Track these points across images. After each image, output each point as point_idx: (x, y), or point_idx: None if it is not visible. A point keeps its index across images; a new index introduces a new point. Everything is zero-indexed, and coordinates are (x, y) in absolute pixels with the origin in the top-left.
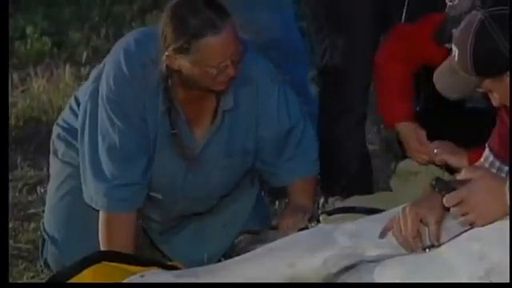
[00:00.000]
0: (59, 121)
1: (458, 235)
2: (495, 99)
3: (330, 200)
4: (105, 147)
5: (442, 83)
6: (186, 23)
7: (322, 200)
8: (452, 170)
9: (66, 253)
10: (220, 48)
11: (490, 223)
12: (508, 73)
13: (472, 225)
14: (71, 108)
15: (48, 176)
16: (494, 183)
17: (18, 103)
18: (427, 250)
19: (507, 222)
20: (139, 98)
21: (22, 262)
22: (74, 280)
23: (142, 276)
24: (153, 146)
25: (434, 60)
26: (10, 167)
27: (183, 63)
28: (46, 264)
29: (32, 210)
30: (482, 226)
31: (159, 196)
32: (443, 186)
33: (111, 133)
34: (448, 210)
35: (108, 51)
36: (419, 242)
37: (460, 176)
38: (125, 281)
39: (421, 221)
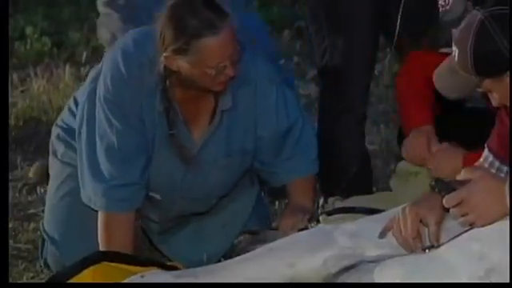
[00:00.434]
0: (58, 121)
1: (458, 235)
2: (495, 99)
3: (330, 200)
4: (103, 148)
5: (441, 83)
6: (184, 24)
7: (321, 200)
8: None
9: (65, 253)
10: (219, 48)
11: (490, 223)
12: (508, 73)
13: (472, 225)
14: (70, 109)
15: (47, 176)
16: (494, 183)
17: (18, 103)
18: (427, 250)
19: (507, 222)
20: (137, 99)
21: (21, 262)
22: (73, 280)
23: (142, 276)
24: (151, 146)
25: None
26: (10, 167)
27: (182, 64)
28: (46, 264)
29: (32, 210)
30: (482, 226)
31: (158, 196)
32: (443, 187)
33: (109, 133)
34: (448, 210)
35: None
36: (419, 243)
37: (459, 176)
38: (125, 281)
39: (421, 221)
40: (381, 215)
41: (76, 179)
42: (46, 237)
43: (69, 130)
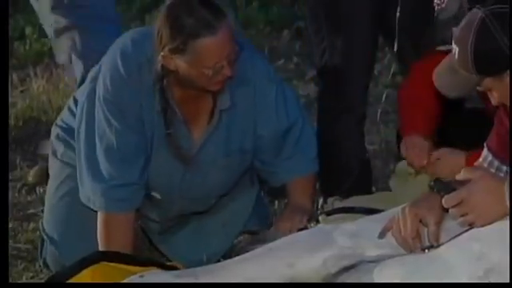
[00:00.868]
0: (58, 121)
1: (458, 235)
2: (494, 98)
3: (330, 200)
4: (102, 148)
5: (441, 81)
6: (181, 23)
7: (321, 200)
8: None
9: (65, 253)
10: (216, 48)
11: (490, 223)
12: (508, 72)
13: (471, 225)
14: (70, 109)
15: (47, 176)
16: (494, 183)
17: (18, 103)
18: (426, 250)
19: (507, 222)
20: (136, 99)
21: (21, 262)
22: (73, 280)
23: (142, 276)
24: (150, 146)
25: None
26: (10, 167)
27: (179, 63)
28: (46, 264)
29: (31, 211)
30: (482, 226)
31: (158, 196)
32: (442, 187)
33: (108, 133)
34: (447, 210)
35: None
36: (418, 243)
37: (459, 176)
38: (124, 281)
39: (420, 221)
40: (380, 215)
41: (75, 179)
42: (45, 237)
43: (68, 130)
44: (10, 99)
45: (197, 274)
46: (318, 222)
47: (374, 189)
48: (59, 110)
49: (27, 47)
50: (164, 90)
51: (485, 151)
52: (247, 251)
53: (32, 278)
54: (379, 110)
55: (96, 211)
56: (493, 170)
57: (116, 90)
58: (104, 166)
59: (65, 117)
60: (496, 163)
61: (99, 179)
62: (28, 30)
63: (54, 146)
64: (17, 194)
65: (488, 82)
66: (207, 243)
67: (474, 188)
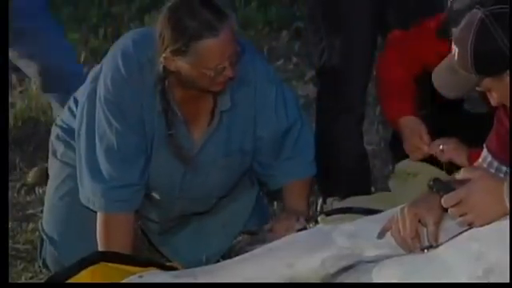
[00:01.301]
0: (58, 121)
1: (457, 235)
2: (494, 99)
3: (329, 200)
4: (102, 148)
5: (440, 81)
6: (183, 25)
7: (320, 200)
8: (451, 171)
9: (64, 253)
10: (218, 50)
11: (489, 223)
12: (508, 72)
13: (470, 225)
14: (70, 109)
15: (47, 177)
16: (493, 183)
17: (17, 104)
18: (426, 250)
19: (505, 222)
20: (137, 99)
21: (20, 262)
22: (72, 280)
23: (141, 276)
24: (150, 146)
25: (431, 64)
26: (9, 168)
27: (181, 65)
28: (45, 264)
29: (30, 211)
30: (481, 226)
31: (158, 196)
32: (441, 187)
33: (109, 134)
34: (446, 210)
35: (106, 52)
36: (418, 243)
37: (458, 176)
38: (123, 281)
39: (419, 221)
40: (379, 215)
41: (75, 179)
42: (44, 237)
43: (68, 130)
44: (10, 100)
45: (196, 275)
46: (317, 222)
47: (372, 189)
48: None
49: None
50: (165, 91)
51: (484, 152)
52: (246, 251)
53: (31, 278)
54: (378, 111)
55: (96, 212)
56: (492, 171)
57: (117, 90)
58: (104, 166)
59: (65, 117)
60: (495, 164)
61: (99, 180)
62: None
63: (53, 146)
64: (16, 195)
65: (487, 82)
66: (207, 244)
67: (474, 188)
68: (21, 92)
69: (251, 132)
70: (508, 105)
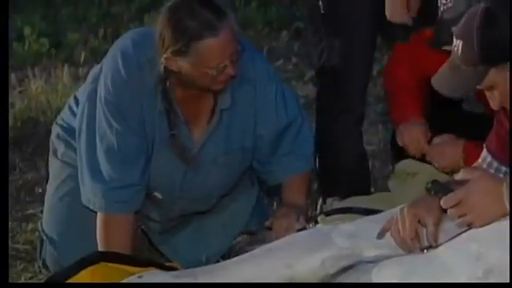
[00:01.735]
0: (58, 120)
1: (456, 236)
2: (495, 99)
3: (328, 201)
4: (103, 149)
5: (440, 82)
6: (183, 26)
7: (320, 201)
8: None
9: (64, 253)
10: (219, 49)
11: (488, 224)
12: None
13: (470, 226)
14: (71, 108)
15: (47, 177)
16: (492, 184)
17: (16, 104)
18: (425, 250)
19: (505, 222)
20: (137, 100)
21: (20, 262)
22: (72, 280)
23: (140, 277)
24: (151, 146)
25: (429, 72)
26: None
27: (182, 65)
28: (45, 265)
29: (30, 211)
30: (480, 227)
31: (159, 196)
32: (439, 189)
33: (109, 135)
34: (446, 211)
35: (106, 52)
36: (417, 243)
37: (458, 176)
38: (123, 281)
39: (419, 222)
40: (379, 216)
41: (76, 179)
42: (44, 237)
43: (69, 130)
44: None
45: (196, 275)
46: (316, 222)
47: (372, 189)
48: (58, 110)
49: (26, 48)
50: (167, 91)
51: (484, 152)
52: (246, 251)
53: (31, 278)
54: (378, 111)
55: (96, 212)
56: (492, 171)
57: (117, 91)
58: (104, 167)
59: (65, 116)
60: (495, 164)
61: (99, 180)
62: (26, 31)
63: (54, 145)
64: (15, 195)
65: (492, 74)
66: (207, 244)
67: (473, 188)
68: (20, 92)
69: (251, 130)
70: (508, 107)
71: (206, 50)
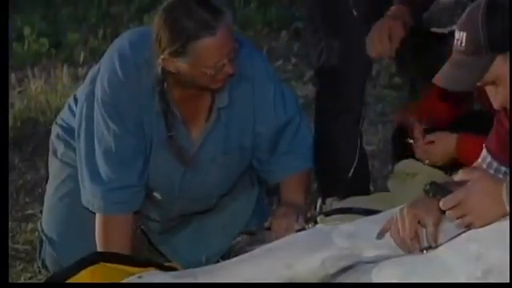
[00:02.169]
0: (58, 120)
1: (456, 236)
2: (499, 95)
3: (328, 201)
4: (101, 150)
5: (443, 76)
6: (180, 26)
7: (319, 201)
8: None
9: (64, 253)
10: (216, 48)
11: (488, 225)
12: None
13: (469, 226)
14: (70, 108)
15: (46, 177)
16: (492, 184)
17: (16, 104)
18: (425, 251)
19: (505, 222)
20: (135, 100)
21: (19, 262)
22: (71, 280)
23: (140, 277)
24: (149, 147)
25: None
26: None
27: (180, 65)
28: (44, 265)
29: (30, 211)
30: (480, 227)
31: (158, 196)
32: (437, 191)
33: (107, 136)
34: (445, 212)
35: (106, 52)
36: (417, 243)
37: (457, 177)
38: (122, 282)
39: (418, 222)
40: (378, 216)
41: (75, 180)
42: (44, 237)
43: (69, 130)
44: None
45: (196, 275)
46: (316, 222)
47: (372, 189)
48: (57, 110)
49: (25, 48)
50: (164, 92)
51: (484, 152)
52: (246, 252)
53: (30, 278)
54: (377, 111)
55: (95, 213)
56: (491, 171)
57: (114, 92)
58: (103, 168)
59: (65, 116)
60: (495, 164)
61: (98, 181)
62: (26, 31)
63: (54, 145)
64: (15, 195)
65: (498, 64)
66: (207, 244)
67: (472, 189)
68: (20, 92)
69: (250, 129)
70: (508, 107)
71: (204, 50)
